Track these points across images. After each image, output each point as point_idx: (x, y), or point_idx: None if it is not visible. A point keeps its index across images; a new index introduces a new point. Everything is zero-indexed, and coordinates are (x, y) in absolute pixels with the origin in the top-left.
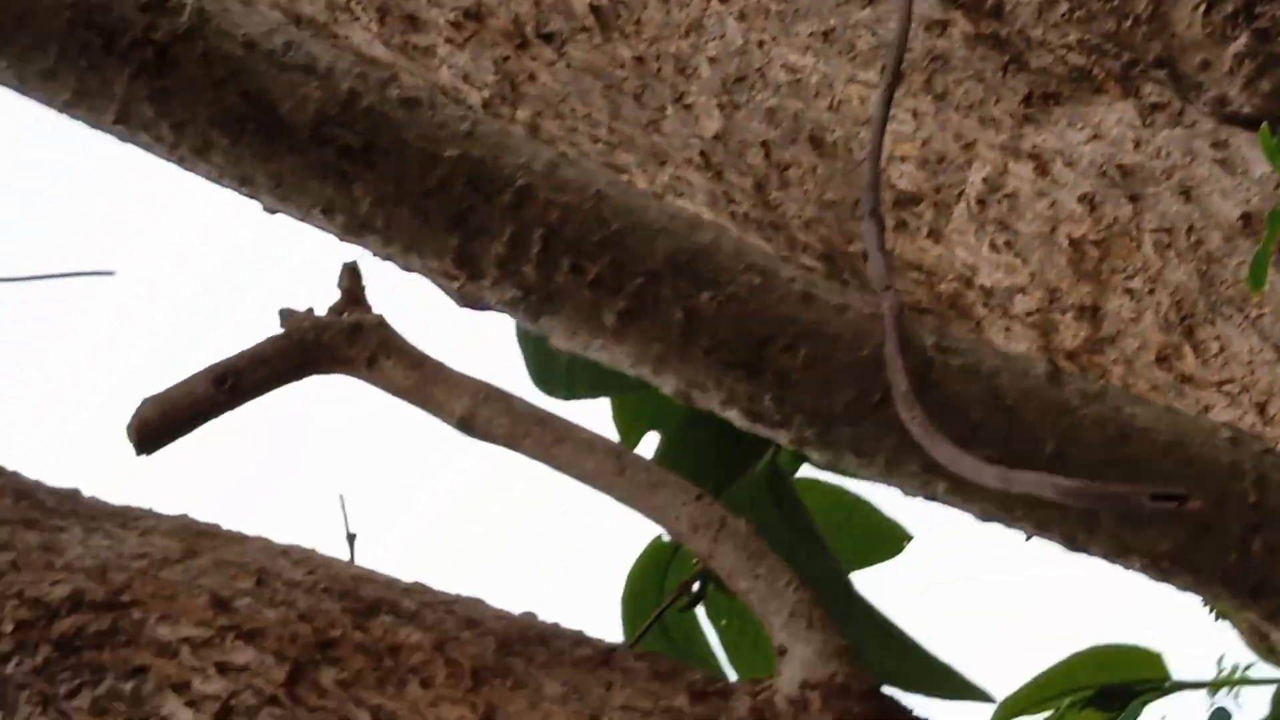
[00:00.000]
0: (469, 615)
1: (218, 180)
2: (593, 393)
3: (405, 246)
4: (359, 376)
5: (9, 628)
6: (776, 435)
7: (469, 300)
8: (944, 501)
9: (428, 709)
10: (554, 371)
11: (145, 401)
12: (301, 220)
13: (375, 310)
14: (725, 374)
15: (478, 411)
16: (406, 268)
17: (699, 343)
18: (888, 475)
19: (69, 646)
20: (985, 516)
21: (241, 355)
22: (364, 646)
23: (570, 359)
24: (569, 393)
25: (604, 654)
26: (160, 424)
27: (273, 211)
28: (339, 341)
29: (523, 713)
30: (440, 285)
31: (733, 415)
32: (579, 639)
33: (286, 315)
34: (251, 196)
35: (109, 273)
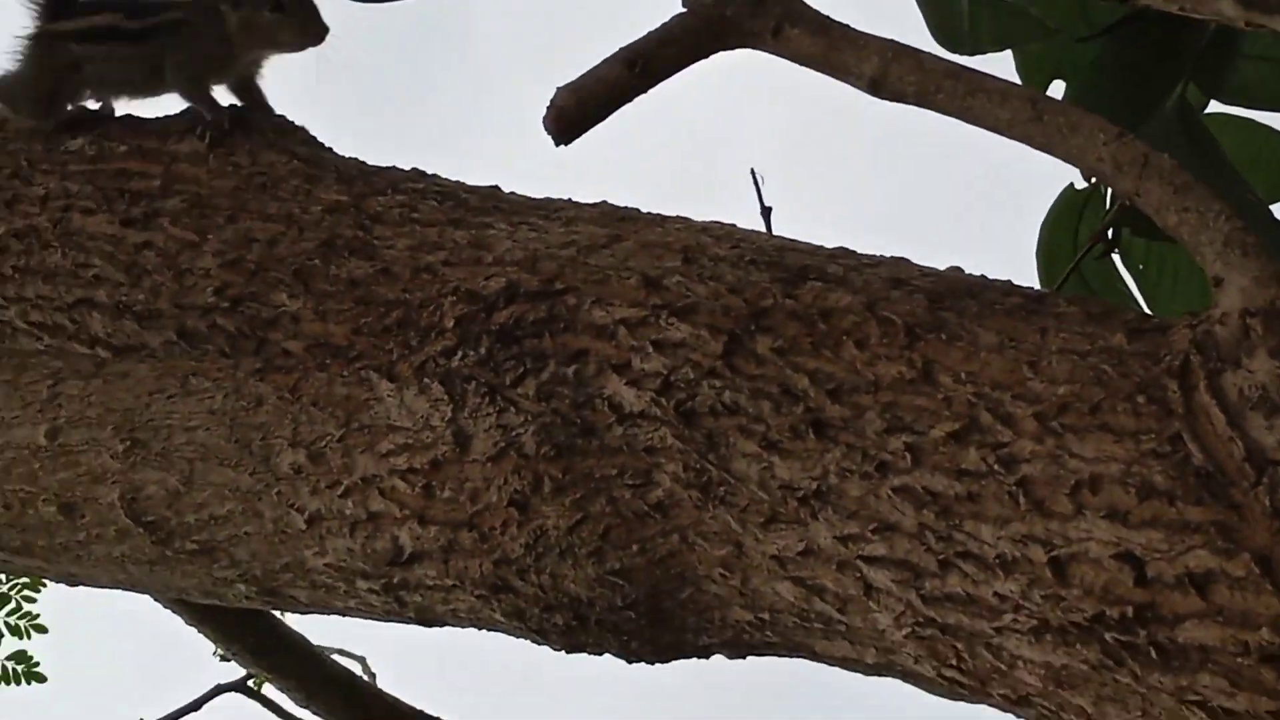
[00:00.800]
0: (895, 275)
1: None
2: (997, 45)
3: None
4: (765, 48)
5: (450, 323)
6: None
7: None
8: None
9: (865, 369)
10: (957, 26)
11: (559, 91)
12: None
13: None
14: None
15: (888, 71)
16: None
17: None
18: None
19: (509, 336)
20: None
21: (649, 37)
22: (796, 313)
23: (973, 12)
24: (973, 47)
25: (1035, 301)
26: (576, 112)
27: None
28: (744, 14)
29: (960, 364)
30: None
31: (1225, 5)
32: (1008, 289)
33: None
34: None
35: None
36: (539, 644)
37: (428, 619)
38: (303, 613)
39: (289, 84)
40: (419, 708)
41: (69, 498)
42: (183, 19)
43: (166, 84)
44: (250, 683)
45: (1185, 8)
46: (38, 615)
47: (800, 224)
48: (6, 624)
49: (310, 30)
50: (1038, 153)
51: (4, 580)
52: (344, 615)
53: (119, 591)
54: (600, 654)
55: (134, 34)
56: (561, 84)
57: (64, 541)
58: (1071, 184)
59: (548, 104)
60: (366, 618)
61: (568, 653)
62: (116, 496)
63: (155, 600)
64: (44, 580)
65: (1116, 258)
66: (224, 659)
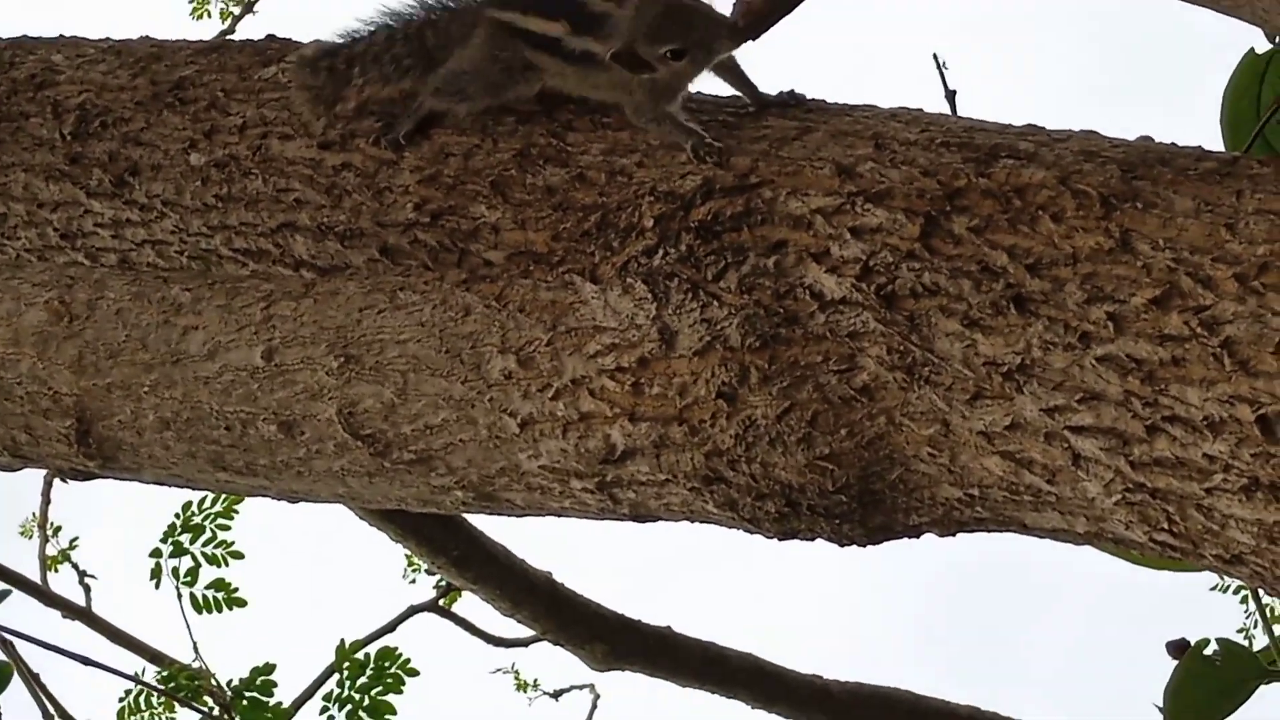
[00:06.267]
0: (1087, 148)
1: None
2: None
3: None
4: None
5: (649, 223)
6: None
7: None
8: None
9: (1062, 241)
10: None
11: None
12: None
13: None
14: None
15: None
16: None
17: None
18: None
19: (708, 232)
20: None
21: None
22: (990, 191)
23: None
24: None
25: (1228, 164)
26: (764, 6)
27: None
28: None
29: (1157, 231)
30: None
31: None
32: (1200, 154)
33: None
34: None
35: None
36: (751, 533)
37: (641, 515)
38: (518, 516)
39: None
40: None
41: (288, 416)
42: (612, 58)
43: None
44: (440, 603)
45: None
46: (232, 543)
47: (984, 107)
48: (204, 554)
49: (724, 36)
50: (1213, 21)
51: (198, 511)
52: (559, 516)
53: (310, 517)
54: (812, 539)
55: (575, 57)
56: None
57: (285, 459)
58: (1252, 49)
59: (734, 1)
60: (580, 517)
61: (780, 540)
62: (334, 412)
63: (359, 518)
64: (235, 509)
65: None
66: (430, 573)
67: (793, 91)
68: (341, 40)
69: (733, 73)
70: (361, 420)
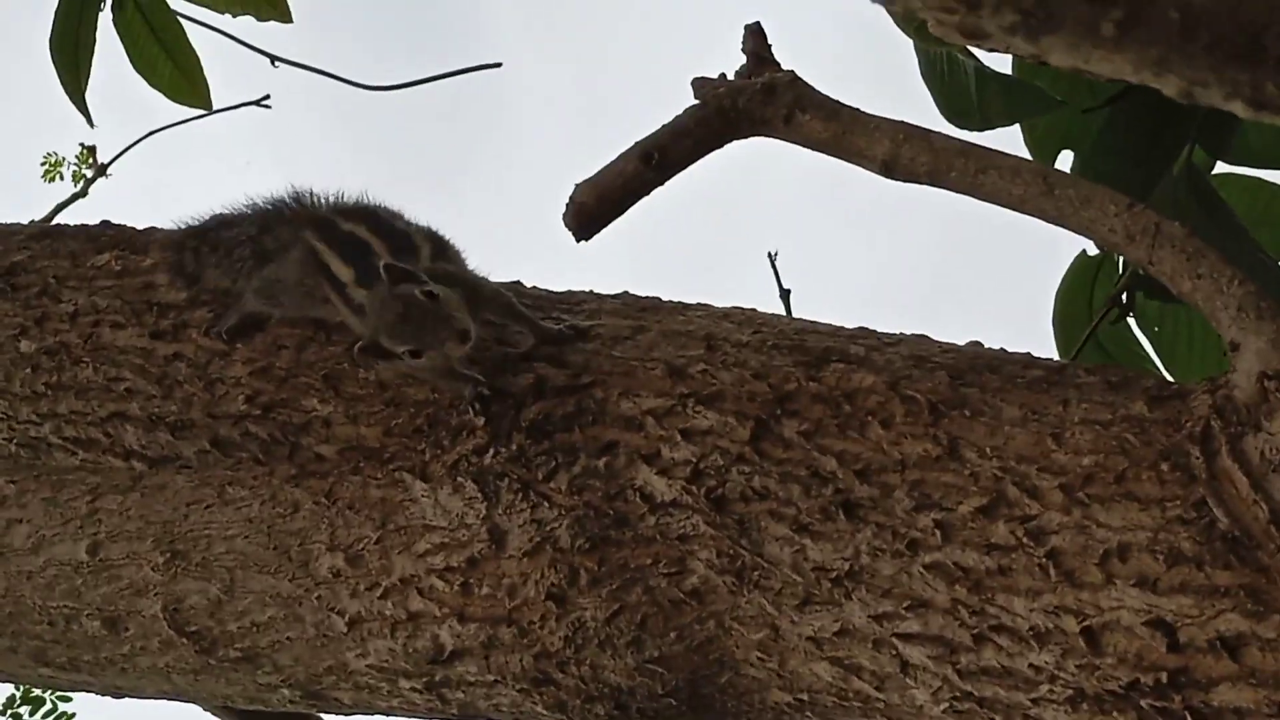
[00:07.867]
0: (916, 353)
1: None
2: (1005, 119)
3: None
4: (777, 136)
5: (480, 421)
6: None
7: (968, 32)
8: None
9: (891, 448)
10: (965, 103)
11: (578, 187)
12: None
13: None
14: (1226, 67)
15: (899, 152)
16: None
17: (1198, 40)
18: None
19: (540, 432)
20: None
21: (663, 130)
22: (820, 396)
23: (980, 88)
24: (982, 123)
25: (1055, 372)
26: (595, 208)
27: None
28: (755, 103)
29: (984, 439)
30: (936, 18)
31: (1236, 107)
32: (1028, 361)
33: (700, 85)
34: None
35: (496, 65)
36: None
37: (470, 715)
38: (347, 714)
39: (320, 170)
40: None
41: (112, 612)
42: (359, 352)
43: None
44: None
45: (1196, 99)
46: (73, 715)
47: (820, 305)
48: None
49: (455, 339)
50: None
51: None
52: (387, 715)
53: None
54: None
55: (355, 307)
56: (580, 179)
57: (109, 655)
58: (1084, 251)
59: (567, 200)
60: (409, 716)
61: None
62: (159, 608)
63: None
64: None
65: (1132, 321)
66: None
67: (573, 325)
68: (209, 223)
69: (510, 311)
70: (187, 617)
